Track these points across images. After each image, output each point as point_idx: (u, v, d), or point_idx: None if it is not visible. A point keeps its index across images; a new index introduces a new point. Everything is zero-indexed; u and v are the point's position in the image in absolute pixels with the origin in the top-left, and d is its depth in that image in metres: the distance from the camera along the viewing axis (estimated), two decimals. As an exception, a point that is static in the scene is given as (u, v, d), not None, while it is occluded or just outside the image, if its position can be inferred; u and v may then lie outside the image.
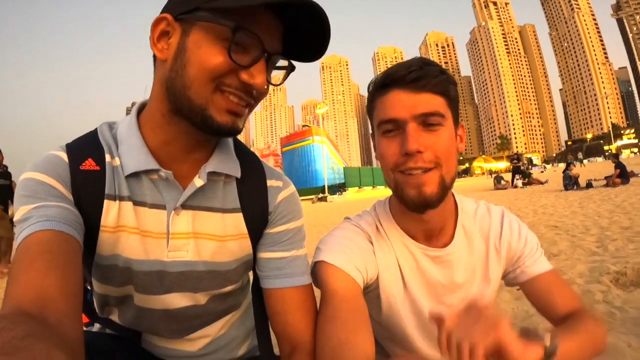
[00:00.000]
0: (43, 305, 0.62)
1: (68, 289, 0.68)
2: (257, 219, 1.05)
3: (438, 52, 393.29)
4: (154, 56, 0.88)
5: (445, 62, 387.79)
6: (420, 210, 1.00)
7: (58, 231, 0.73)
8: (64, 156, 0.87)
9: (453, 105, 1.00)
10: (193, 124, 0.86)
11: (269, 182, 1.08)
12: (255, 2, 0.76)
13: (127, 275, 0.93)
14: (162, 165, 0.91)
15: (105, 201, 0.88)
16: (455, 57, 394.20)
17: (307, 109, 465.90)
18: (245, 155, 1.08)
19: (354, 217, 1.20)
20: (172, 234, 0.93)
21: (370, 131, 1.13)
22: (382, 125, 1.01)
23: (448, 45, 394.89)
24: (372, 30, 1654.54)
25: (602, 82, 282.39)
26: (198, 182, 0.93)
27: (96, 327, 1.11)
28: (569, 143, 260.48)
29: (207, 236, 0.97)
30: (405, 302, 1.11)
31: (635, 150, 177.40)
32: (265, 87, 0.86)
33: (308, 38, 0.87)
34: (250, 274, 1.15)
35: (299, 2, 0.78)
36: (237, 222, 1.02)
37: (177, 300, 0.99)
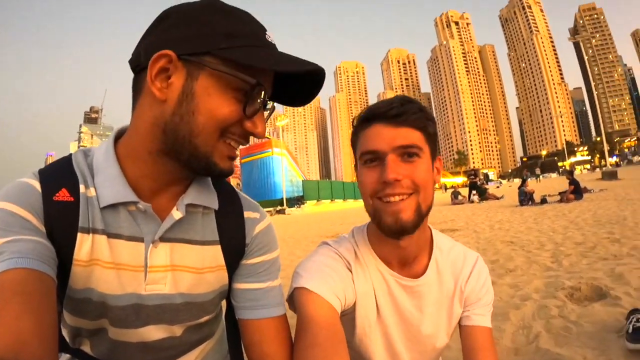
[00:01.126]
0: (19, 350, 0.61)
1: (43, 332, 0.66)
2: (235, 251, 1.04)
3: (399, 69, 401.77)
4: (135, 86, 0.86)
5: (406, 79, 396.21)
6: (396, 236, 1.04)
7: (31, 269, 0.70)
8: (37, 185, 0.83)
9: (430, 139, 1.05)
10: (186, 166, 0.87)
11: (246, 214, 1.08)
12: (277, 67, 0.80)
13: (102, 309, 0.90)
14: (140, 197, 0.89)
15: (79, 234, 0.85)
16: (416, 74, 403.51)
17: (267, 121, 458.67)
18: (221, 185, 1.08)
19: (333, 243, 1.21)
20: (150, 267, 0.91)
21: (353, 162, 1.19)
22: (364, 156, 1.05)
23: (409, 62, 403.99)
24: (334, 45, 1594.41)
25: (558, 102, 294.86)
26: (176, 214, 0.92)
27: (65, 357, 1.04)
28: (525, 159, 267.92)
29: (185, 269, 0.96)
30: (378, 326, 1.14)
31: (587, 166, 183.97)
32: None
33: (299, 89, 0.91)
34: (223, 302, 1.14)
35: (314, 69, 0.81)
36: (215, 254, 1.01)
37: (153, 332, 0.96)
